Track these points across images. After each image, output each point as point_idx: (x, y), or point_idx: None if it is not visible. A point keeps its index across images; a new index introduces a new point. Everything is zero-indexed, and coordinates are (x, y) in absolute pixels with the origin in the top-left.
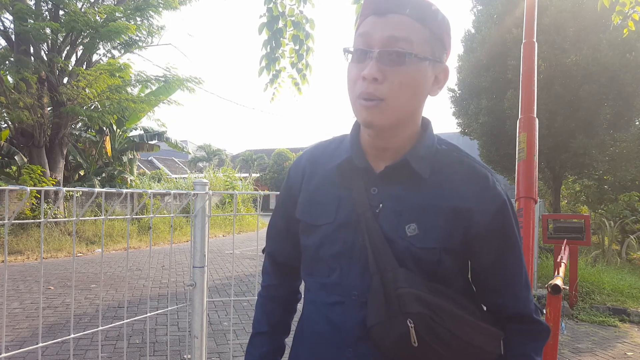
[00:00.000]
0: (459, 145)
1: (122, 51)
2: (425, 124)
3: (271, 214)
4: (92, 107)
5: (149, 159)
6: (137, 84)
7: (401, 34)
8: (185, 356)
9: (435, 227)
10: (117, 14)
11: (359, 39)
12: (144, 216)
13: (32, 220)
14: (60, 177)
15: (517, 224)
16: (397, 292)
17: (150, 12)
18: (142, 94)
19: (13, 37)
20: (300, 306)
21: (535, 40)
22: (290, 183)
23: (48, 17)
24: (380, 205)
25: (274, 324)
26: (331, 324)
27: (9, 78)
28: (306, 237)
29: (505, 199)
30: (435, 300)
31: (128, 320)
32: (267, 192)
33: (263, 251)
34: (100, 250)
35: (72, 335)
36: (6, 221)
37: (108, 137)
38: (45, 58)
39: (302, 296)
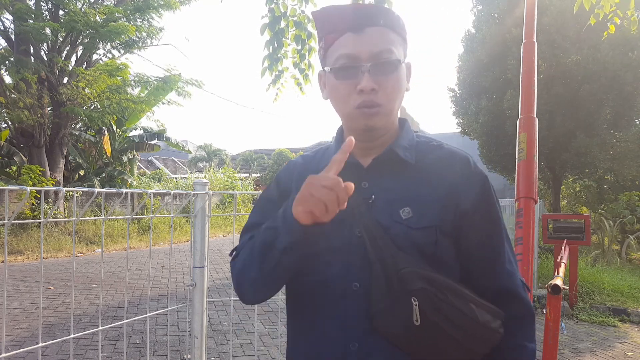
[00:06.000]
0: (458, 146)
1: (122, 51)
2: (402, 122)
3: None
4: (92, 107)
5: (149, 159)
6: (137, 85)
7: (384, 46)
8: (185, 356)
9: (429, 207)
10: (117, 15)
11: (342, 60)
12: (144, 216)
13: (32, 220)
14: (60, 177)
15: (497, 201)
16: (399, 275)
17: (150, 12)
18: (142, 94)
19: (13, 37)
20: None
21: (535, 40)
22: (282, 187)
23: (48, 17)
24: (373, 196)
25: None
26: (333, 320)
27: (9, 78)
28: None
29: (486, 178)
30: (437, 277)
31: (128, 320)
32: None
33: (231, 254)
34: (100, 250)
35: (72, 335)
36: (6, 221)
37: (107, 137)
38: (45, 58)
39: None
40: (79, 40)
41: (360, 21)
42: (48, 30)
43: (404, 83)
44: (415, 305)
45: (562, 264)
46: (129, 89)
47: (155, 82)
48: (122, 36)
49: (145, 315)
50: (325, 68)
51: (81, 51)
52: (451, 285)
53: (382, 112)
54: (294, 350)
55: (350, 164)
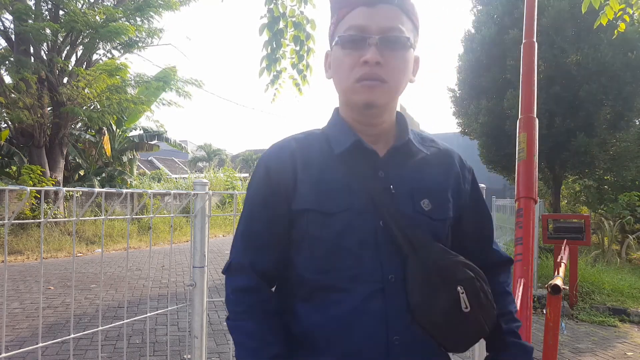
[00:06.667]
0: (459, 146)
1: (122, 51)
2: (400, 115)
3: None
4: (92, 108)
5: (149, 159)
6: (137, 85)
7: (395, 23)
8: (185, 356)
9: (444, 199)
10: (117, 15)
11: (352, 30)
12: (144, 216)
13: (32, 220)
14: (60, 177)
15: None
16: (439, 265)
17: (150, 13)
18: (141, 94)
19: (13, 37)
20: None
21: (535, 40)
22: (274, 179)
23: (48, 17)
24: (391, 186)
25: (285, 344)
26: (374, 314)
27: (9, 78)
28: (319, 229)
29: (473, 170)
30: (473, 265)
31: (128, 320)
32: None
33: (223, 272)
34: (100, 250)
35: (72, 335)
36: (6, 221)
37: (106, 137)
38: (45, 58)
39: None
40: (79, 41)
41: None
42: (48, 31)
43: (410, 66)
44: (462, 294)
45: (562, 264)
46: (129, 89)
47: (153, 82)
48: (122, 36)
49: (145, 315)
50: (332, 43)
51: (81, 51)
52: (481, 272)
53: (385, 88)
54: (321, 351)
55: (367, 151)
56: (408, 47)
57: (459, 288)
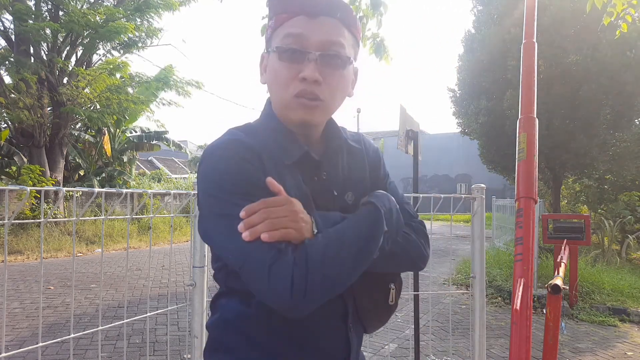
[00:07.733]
0: (459, 146)
1: (122, 51)
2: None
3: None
4: (92, 108)
5: (149, 159)
6: (137, 85)
7: (336, 39)
8: (185, 356)
9: (365, 188)
10: (117, 15)
11: (290, 39)
12: (144, 216)
13: (32, 220)
14: (60, 177)
15: None
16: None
17: (149, 13)
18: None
19: (13, 37)
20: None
21: (535, 40)
22: (250, 173)
23: (48, 18)
24: (334, 190)
25: None
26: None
27: (9, 78)
28: None
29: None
30: None
31: (128, 320)
32: None
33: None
34: (100, 250)
35: (72, 335)
36: (6, 221)
37: (106, 137)
38: (45, 58)
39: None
40: (79, 41)
41: (317, 8)
42: (48, 31)
43: (348, 84)
44: (393, 290)
45: (562, 264)
46: (128, 89)
47: (153, 82)
48: (122, 35)
49: (145, 315)
50: (269, 49)
51: (81, 51)
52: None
53: (322, 107)
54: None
55: (314, 160)
56: (348, 65)
57: (391, 285)
